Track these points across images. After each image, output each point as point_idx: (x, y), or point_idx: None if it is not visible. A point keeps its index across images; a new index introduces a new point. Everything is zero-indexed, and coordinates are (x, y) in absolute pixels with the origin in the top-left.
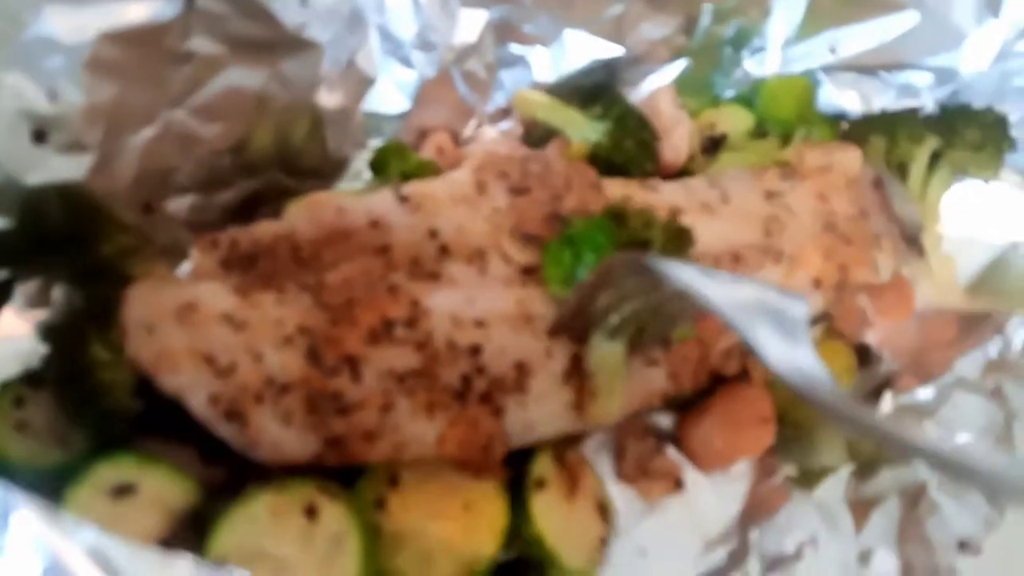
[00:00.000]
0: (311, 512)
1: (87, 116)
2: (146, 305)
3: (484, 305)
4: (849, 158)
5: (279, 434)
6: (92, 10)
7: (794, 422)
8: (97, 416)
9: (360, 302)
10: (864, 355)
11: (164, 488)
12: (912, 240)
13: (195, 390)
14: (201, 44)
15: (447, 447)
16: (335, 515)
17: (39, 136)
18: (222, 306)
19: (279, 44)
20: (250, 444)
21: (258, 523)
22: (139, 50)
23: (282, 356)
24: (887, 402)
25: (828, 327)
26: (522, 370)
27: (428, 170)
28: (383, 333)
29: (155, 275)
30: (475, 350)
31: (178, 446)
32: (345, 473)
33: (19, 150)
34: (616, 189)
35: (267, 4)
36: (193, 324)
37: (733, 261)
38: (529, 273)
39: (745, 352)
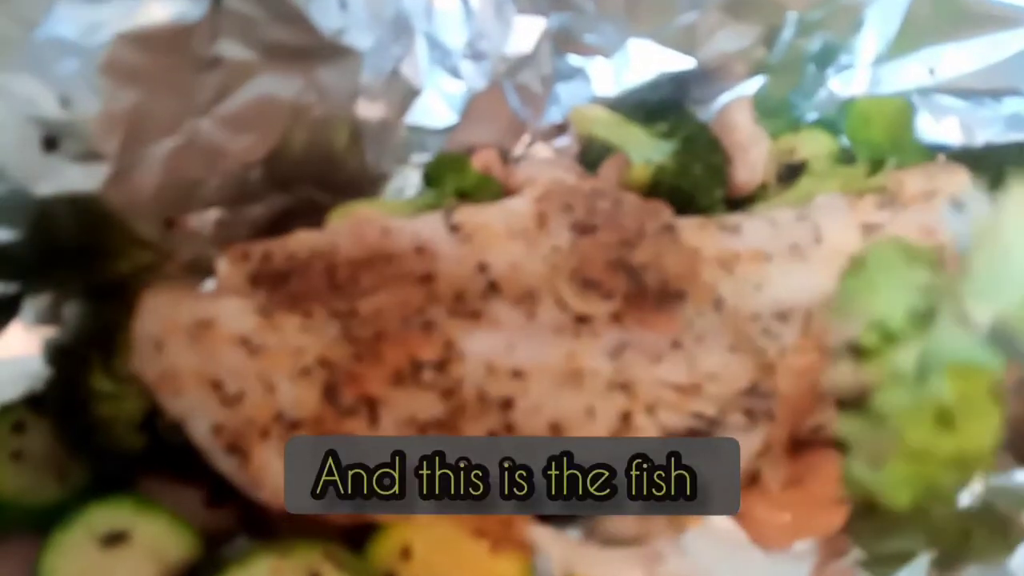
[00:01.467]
0: None
1: (103, 124)
2: (159, 318)
3: (526, 354)
4: (957, 182)
5: (282, 475)
6: (109, 9)
7: (870, 499)
8: (96, 452)
9: (390, 337)
10: None
11: (160, 538)
12: None
13: (198, 417)
14: (230, 49)
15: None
16: None
17: (50, 144)
18: (241, 327)
19: (315, 51)
20: (251, 483)
21: None
22: (161, 54)
23: (296, 389)
24: (978, 483)
25: None
26: (558, 431)
27: (488, 189)
28: (409, 374)
29: (171, 286)
30: (507, 404)
31: (182, 486)
32: (355, 535)
33: (28, 158)
34: (693, 234)
35: (303, 7)
36: (206, 344)
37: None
38: (584, 323)
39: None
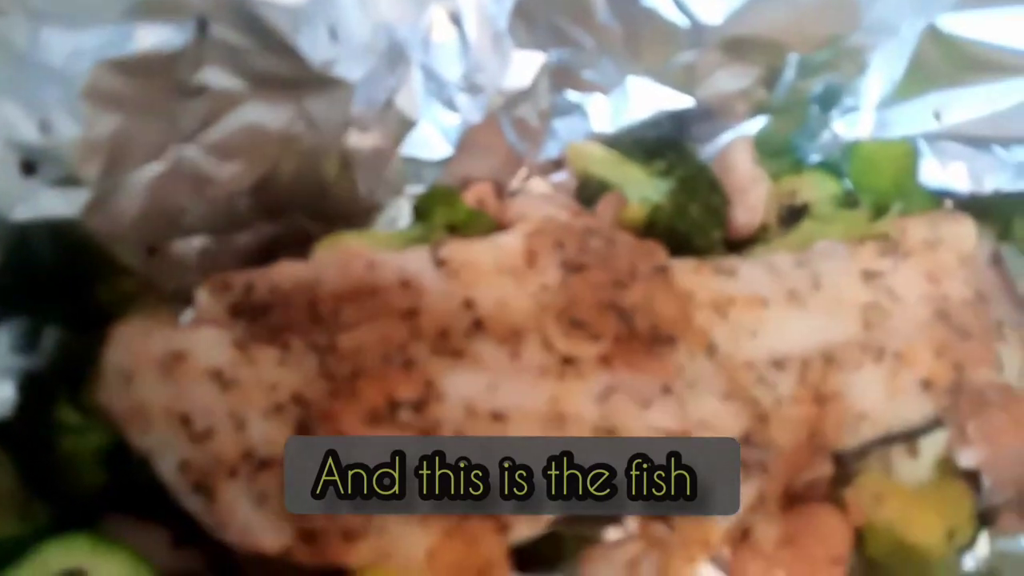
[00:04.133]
0: None
1: (83, 149)
2: (130, 349)
3: (508, 395)
4: (961, 230)
5: (250, 517)
6: (92, 35)
7: (872, 560)
8: (58, 487)
9: (368, 374)
10: (975, 486)
11: None
12: None
13: (166, 453)
14: (215, 77)
15: (438, 565)
16: None
17: (28, 168)
18: (215, 360)
19: (304, 81)
20: (217, 523)
21: None
22: (144, 81)
23: (267, 427)
24: (983, 545)
25: (945, 463)
26: None
27: (479, 224)
28: (386, 414)
29: (148, 315)
30: None
31: (148, 526)
32: None
33: (6, 183)
34: (687, 277)
35: (291, 37)
36: (177, 377)
37: (826, 364)
38: (570, 364)
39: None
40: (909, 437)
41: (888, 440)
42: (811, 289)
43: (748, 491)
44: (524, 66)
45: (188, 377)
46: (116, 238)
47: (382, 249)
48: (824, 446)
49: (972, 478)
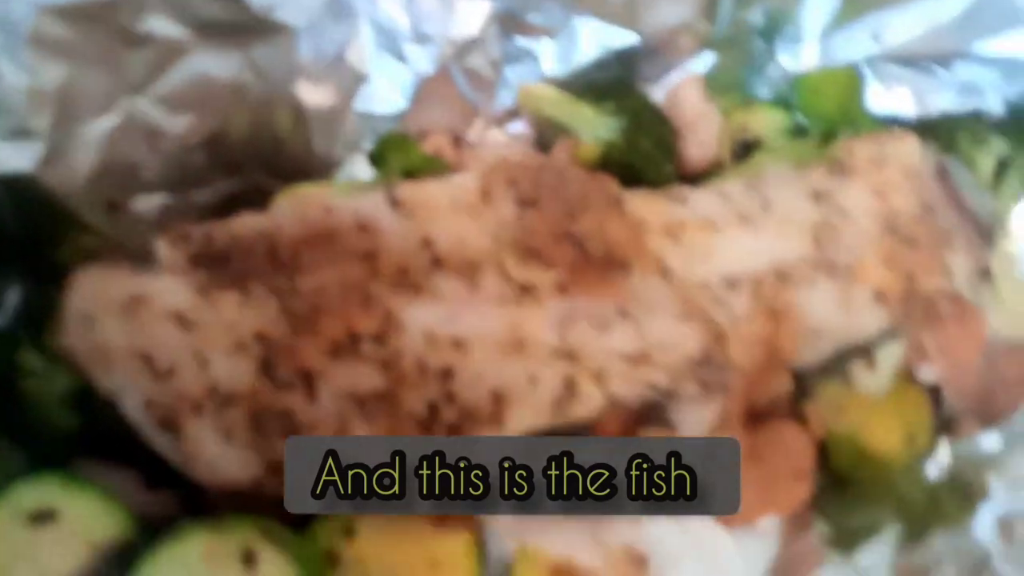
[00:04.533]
0: (250, 558)
1: (32, 99)
2: (90, 294)
3: (467, 324)
4: (906, 147)
5: (217, 451)
6: None
7: (837, 472)
8: (27, 431)
9: (327, 310)
10: (936, 399)
11: (90, 517)
12: (988, 235)
13: (131, 392)
14: (160, 25)
15: None
16: (277, 564)
17: None
18: (175, 303)
19: (247, 27)
20: (185, 459)
21: (188, 567)
22: (89, 27)
23: (231, 364)
24: (944, 450)
25: (902, 371)
26: (500, 400)
27: (434, 168)
28: (348, 347)
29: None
30: (447, 373)
31: (119, 468)
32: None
33: None
34: (639, 205)
35: None
36: (138, 319)
37: (778, 281)
38: (527, 293)
39: (796, 393)
40: (866, 350)
41: (845, 354)
42: (761, 211)
43: (710, 411)
44: (471, 14)
45: (149, 319)
46: (74, 194)
47: (339, 196)
48: (782, 362)
49: (932, 390)
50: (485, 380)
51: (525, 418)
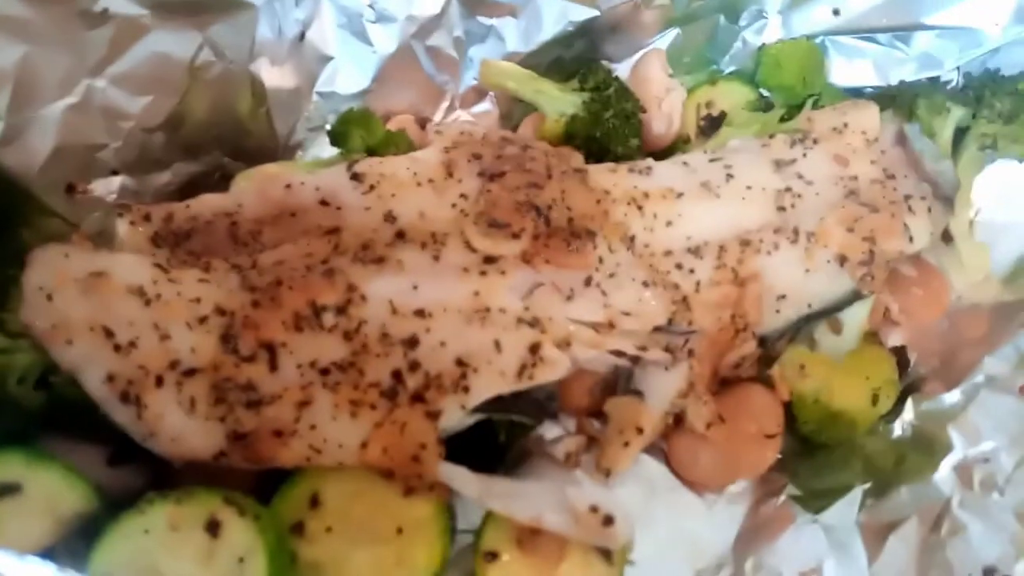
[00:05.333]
0: (214, 527)
1: None
2: (50, 269)
3: (430, 294)
4: (866, 115)
5: (179, 423)
6: None
7: (804, 434)
8: None
9: (289, 283)
10: (903, 361)
11: (54, 491)
12: (947, 200)
13: (91, 366)
14: (118, 4)
15: (371, 454)
16: (242, 532)
17: None
18: (135, 278)
19: (207, 5)
20: (147, 433)
21: (153, 536)
22: (46, 7)
23: (192, 337)
24: (908, 410)
25: (866, 334)
26: (464, 367)
27: (397, 145)
28: (310, 319)
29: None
30: (411, 342)
31: (86, 445)
32: (263, 487)
33: None
34: (603, 176)
35: None
36: (98, 294)
37: (742, 247)
38: (491, 262)
39: (763, 358)
40: (830, 313)
41: (810, 317)
42: (724, 180)
43: (677, 375)
44: None
45: (109, 294)
46: (32, 176)
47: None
48: (747, 326)
49: (899, 355)
50: (449, 348)
51: (491, 385)
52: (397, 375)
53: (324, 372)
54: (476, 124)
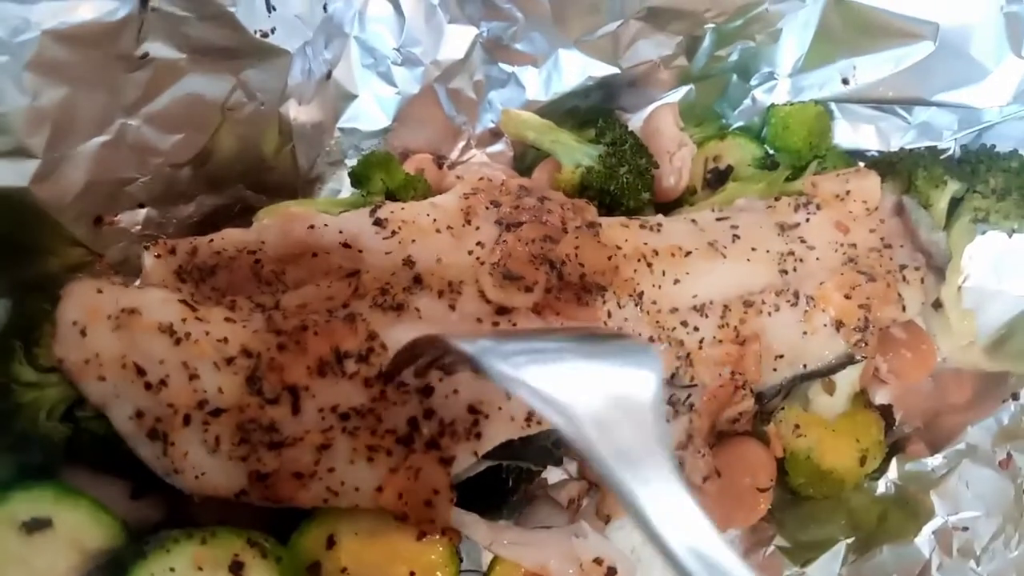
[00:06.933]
0: (238, 568)
1: (30, 120)
2: (83, 304)
3: None
4: (868, 184)
5: (203, 461)
6: (38, 6)
7: (794, 488)
8: (17, 440)
9: (314, 328)
10: (888, 419)
11: (82, 526)
12: (939, 270)
13: (120, 402)
14: (158, 48)
15: (386, 498)
16: (264, 574)
17: None
18: (165, 316)
19: (243, 51)
20: (171, 469)
21: (179, 575)
22: (89, 51)
23: (220, 377)
24: (893, 469)
25: (857, 395)
26: (477, 413)
27: (416, 187)
28: (333, 365)
29: (100, 276)
30: (426, 391)
31: (107, 479)
32: (280, 526)
33: None
34: (615, 231)
35: (230, 7)
36: (130, 331)
37: (745, 307)
38: (504, 314)
39: (758, 414)
40: (825, 374)
41: (806, 377)
42: (730, 241)
43: (677, 428)
44: (457, 39)
45: (140, 331)
46: (63, 208)
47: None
48: (746, 383)
49: (885, 412)
50: (462, 396)
51: (502, 431)
52: (413, 422)
53: (344, 417)
54: (493, 165)
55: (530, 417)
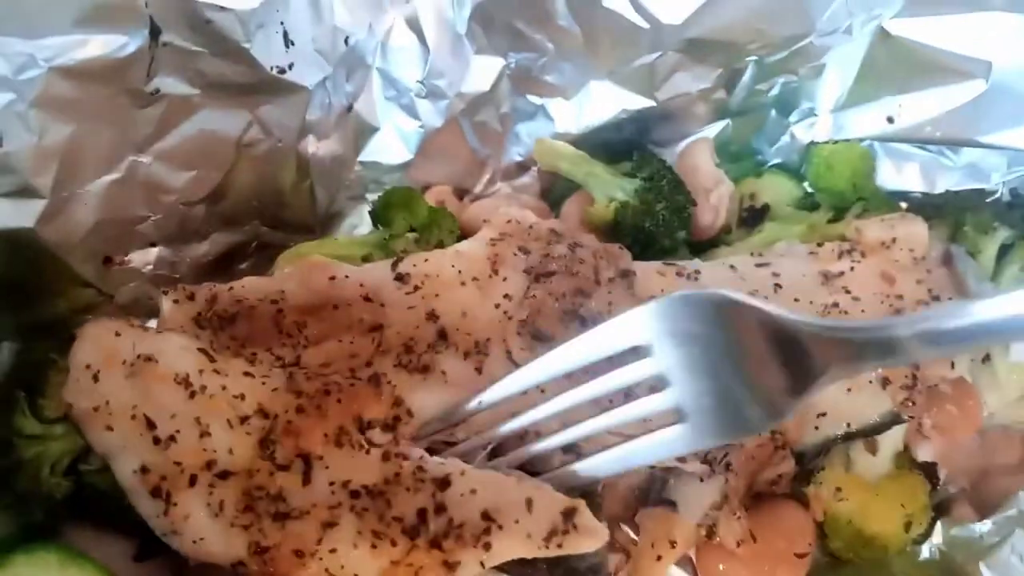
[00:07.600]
0: None
1: (37, 159)
2: (100, 348)
3: None
4: (915, 231)
5: (204, 526)
6: (44, 43)
7: (834, 553)
8: (18, 498)
9: (337, 394)
10: (932, 479)
11: None
12: None
13: (126, 454)
14: (170, 84)
15: None
16: None
17: None
18: (183, 365)
19: (259, 87)
20: (171, 530)
21: None
22: (97, 87)
23: (232, 437)
24: (938, 533)
25: (902, 456)
26: (490, 521)
27: (441, 223)
28: (351, 435)
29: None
30: (443, 483)
31: (111, 537)
32: None
33: None
34: (651, 281)
35: (244, 43)
36: (144, 380)
37: None
38: None
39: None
40: (869, 434)
41: (848, 437)
42: (772, 291)
43: (712, 488)
44: (484, 70)
45: (155, 380)
46: (72, 249)
47: (343, 257)
48: (786, 444)
49: (929, 470)
50: (479, 498)
51: (515, 547)
52: (422, 514)
53: (355, 495)
54: (520, 198)
55: (550, 537)
